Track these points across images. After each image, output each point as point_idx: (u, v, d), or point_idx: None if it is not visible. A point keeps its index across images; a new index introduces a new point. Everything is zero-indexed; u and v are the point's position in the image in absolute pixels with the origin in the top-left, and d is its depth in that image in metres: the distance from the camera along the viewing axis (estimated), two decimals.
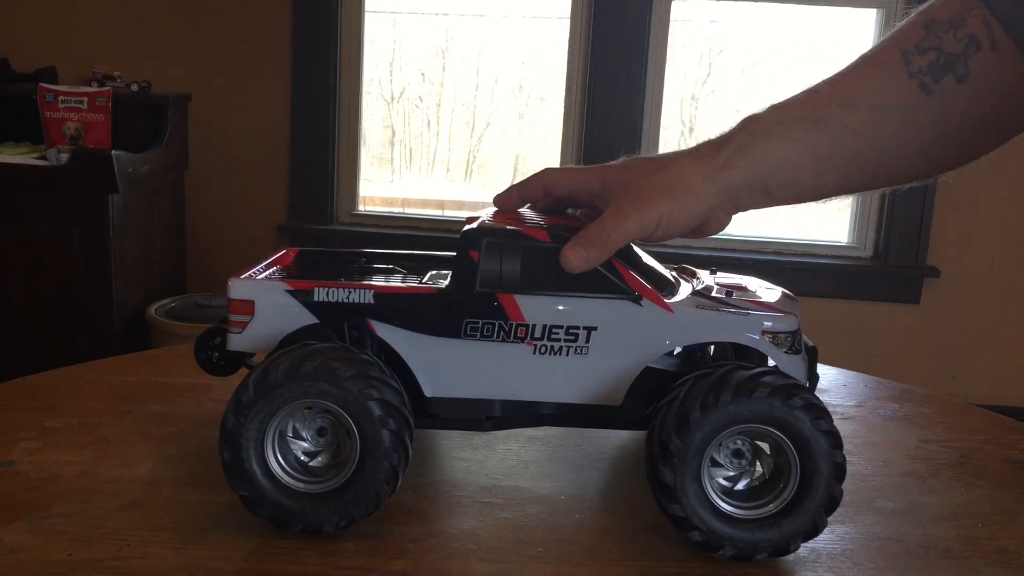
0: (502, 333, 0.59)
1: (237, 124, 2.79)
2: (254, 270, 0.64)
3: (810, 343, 0.65)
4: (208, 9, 2.74)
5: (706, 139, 0.64)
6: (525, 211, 0.69)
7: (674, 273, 0.67)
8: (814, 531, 0.55)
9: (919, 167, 0.65)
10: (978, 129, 0.63)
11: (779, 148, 0.61)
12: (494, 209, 0.68)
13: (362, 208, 2.91)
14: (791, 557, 0.57)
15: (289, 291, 0.60)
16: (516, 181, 0.69)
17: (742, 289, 0.65)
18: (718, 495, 0.56)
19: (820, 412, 0.54)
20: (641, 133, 2.77)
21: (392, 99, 2.97)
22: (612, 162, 0.66)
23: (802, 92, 0.63)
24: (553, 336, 0.59)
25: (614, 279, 0.59)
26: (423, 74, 2.98)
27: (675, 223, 0.61)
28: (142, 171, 2.42)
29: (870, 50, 0.64)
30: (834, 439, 0.54)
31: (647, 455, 0.56)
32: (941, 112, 0.61)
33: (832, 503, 0.55)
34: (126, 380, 0.85)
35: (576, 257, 0.58)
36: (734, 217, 0.65)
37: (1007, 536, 0.62)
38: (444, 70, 2.97)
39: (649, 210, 0.60)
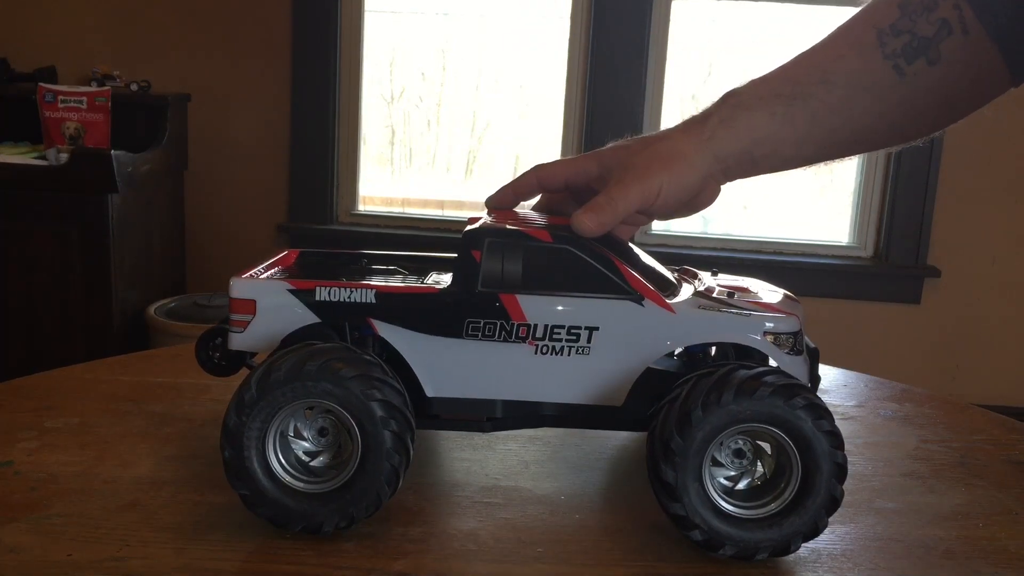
0: (504, 333, 0.59)
1: (237, 124, 2.79)
2: (255, 270, 0.64)
3: (812, 344, 0.65)
4: (208, 9, 2.74)
5: (690, 116, 0.67)
6: (527, 212, 0.69)
7: (676, 274, 0.67)
8: (815, 531, 0.55)
9: (891, 138, 0.70)
10: (947, 105, 0.67)
11: (761, 121, 0.64)
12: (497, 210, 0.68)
13: (362, 208, 2.91)
14: (791, 557, 0.57)
15: (291, 290, 0.60)
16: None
17: (744, 290, 0.65)
18: (719, 494, 0.56)
19: (822, 412, 0.54)
20: (641, 133, 2.76)
21: (392, 99, 2.97)
22: (602, 148, 0.68)
23: (781, 66, 0.67)
24: (555, 336, 0.59)
25: (616, 279, 0.59)
26: (423, 74, 2.97)
27: (673, 192, 0.64)
28: (142, 171, 2.42)
29: (845, 24, 0.67)
30: (835, 439, 0.54)
31: (649, 453, 0.56)
32: (913, 92, 0.64)
33: (833, 503, 0.55)
34: (126, 380, 0.85)
35: (590, 221, 0.60)
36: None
37: (1008, 536, 0.62)
38: (444, 70, 2.97)
39: (649, 180, 0.63)
